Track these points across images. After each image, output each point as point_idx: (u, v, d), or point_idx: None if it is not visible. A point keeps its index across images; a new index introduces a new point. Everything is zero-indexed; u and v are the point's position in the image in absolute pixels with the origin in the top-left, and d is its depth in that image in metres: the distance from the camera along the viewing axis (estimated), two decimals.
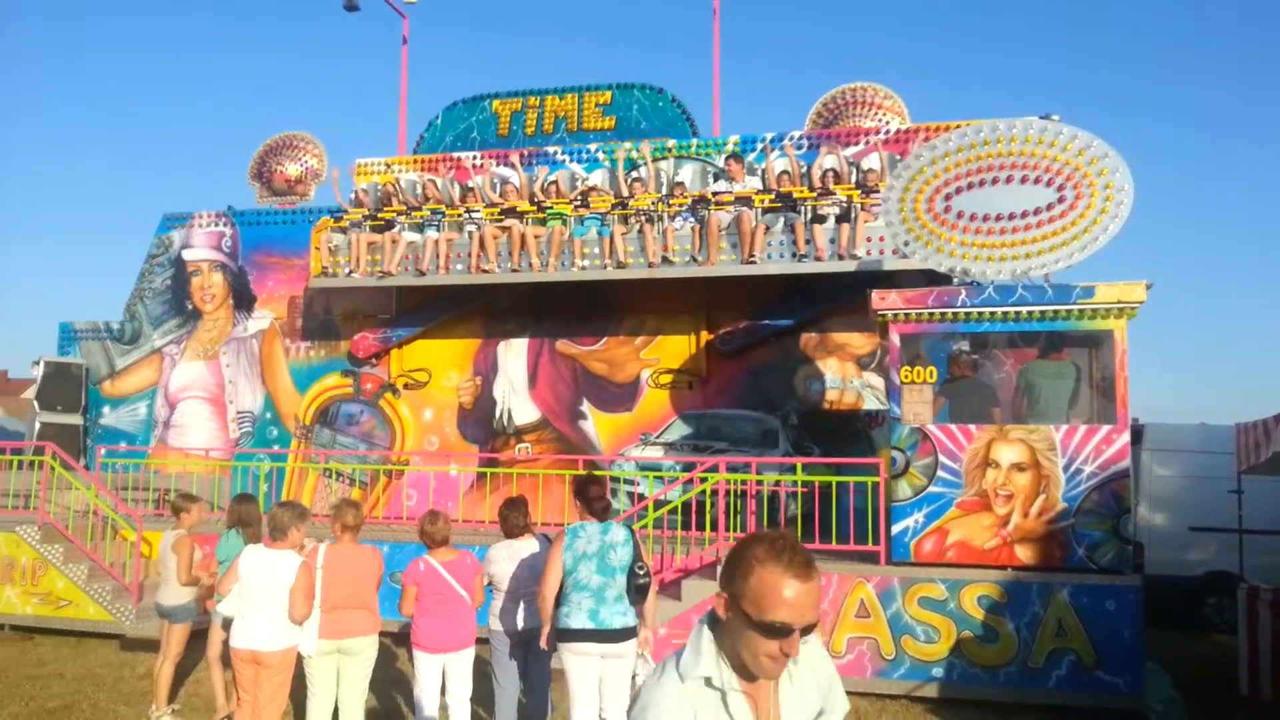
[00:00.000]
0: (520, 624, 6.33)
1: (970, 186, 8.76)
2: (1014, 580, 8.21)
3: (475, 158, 13.66)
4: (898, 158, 11.52)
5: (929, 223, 8.83)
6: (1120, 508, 8.18)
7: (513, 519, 6.45)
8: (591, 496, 5.73)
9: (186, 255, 14.95)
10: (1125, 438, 8.24)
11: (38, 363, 14.54)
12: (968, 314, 8.56)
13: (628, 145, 12.85)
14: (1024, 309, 8.44)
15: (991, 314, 8.53)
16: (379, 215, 12.69)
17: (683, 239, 11.52)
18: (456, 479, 12.65)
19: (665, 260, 11.47)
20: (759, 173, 12.02)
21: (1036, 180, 8.57)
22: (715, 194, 11.54)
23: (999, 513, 8.33)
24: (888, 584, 8.45)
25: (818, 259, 10.97)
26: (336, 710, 6.10)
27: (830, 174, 11.29)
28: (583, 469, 10.63)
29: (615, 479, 12.03)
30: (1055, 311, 8.39)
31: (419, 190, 13.08)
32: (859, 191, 10.91)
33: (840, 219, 10.99)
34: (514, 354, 13.13)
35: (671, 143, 12.88)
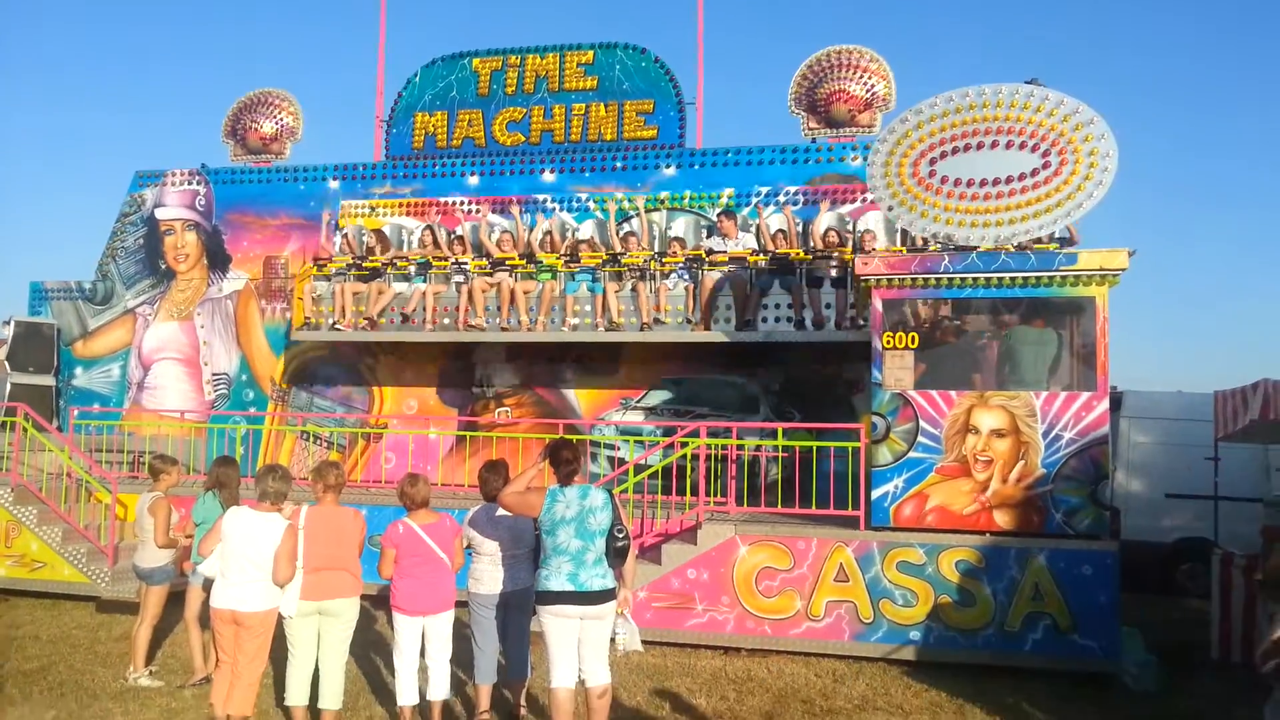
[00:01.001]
0: (500, 586, 6.32)
1: (955, 151, 8.68)
2: (992, 545, 8.26)
3: (463, 202, 13.52)
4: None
5: (913, 187, 8.77)
6: (1098, 474, 8.22)
7: (492, 482, 6.43)
8: (561, 460, 5.69)
9: (159, 214, 14.73)
10: (1104, 405, 8.27)
11: (8, 322, 14.34)
12: (950, 279, 8.54)
13: (619, 195, 12.71)
14: (1006, 275, 8.42)
15: (974, 279, 8.50)
16: (364, 265, 12.43)
17: (675, 299, 11.39)
18: (436, 442, 12.59)
19: (658, 321, 11.33)
20: (753, 229, 11.85)
21: (1021, 146, 8.50)
22: (710, 252, 11.34)
23: (978, 478, 8.36)
24: (867, 548, 8.48)
25: (816, 325, 10.89)
26: (316, 671, 6.07)
27: (831, 233, 11.15)
28: (563, 433, 10.59)
29: (595, 443, 12.01)
30: (1038, 278, 8.38)
31: (404, 237, 12.95)
32: (854, 254, 10.57)
33: (836, 283, 10.88)
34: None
35: (665, 195, 12.74)
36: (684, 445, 9.73)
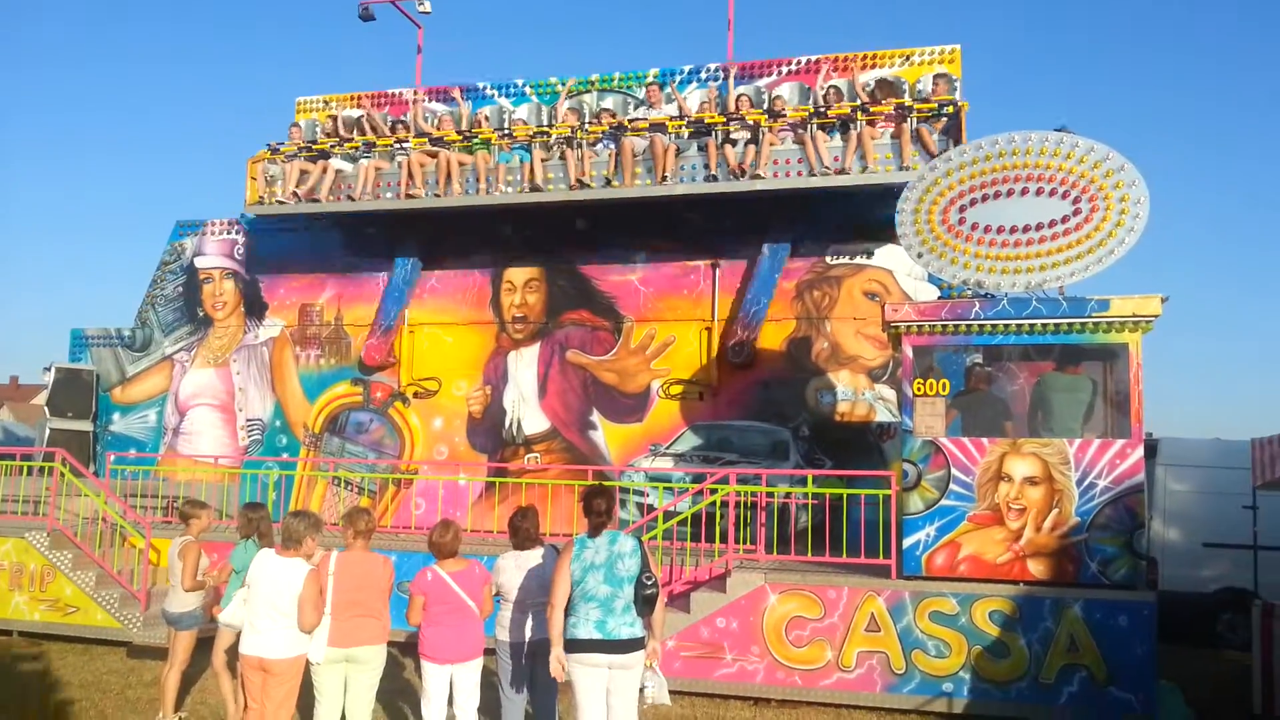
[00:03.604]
0: (527, 635, 6.29)
1: (984, 199, 8.70)
2: (1026, 595, 8.13)
3: (414, 92, 14.30)
4: (807, 88, 12.52)
5: (943, 234, 8.78)
6: (1134, 523, 8.10)
7: (525, 529, 6.42)
8: (594, 510, 5.65)
9: (199, 262, 15.00)
10: (1139, 452, 8.17)
11: (48, 369, 14.60)
12: (981, 326, 8.51)
13: (553, 79, 13.70)
14: (1038, 321, 8.37)
15: (1005, 326, 8.46)
16: (313, 146, 13.45)
17: (600, 165, 12.16)
18: (465, 488, 12.62)
19: (582, 185, 12.10)
20: (675, 102, 12.76)
21: (1051, 193, 8.51)
22: (632, 120, 12.26)
23: (1011, 527, 8.26)
24: (899, 598, 8.38)
25: (732, 177, 11.63)
26: (343, 718, 6.06)
27: (744, 99, 12.08)
28: (592, 479, 10.60)
29: (625, 489, 11.99)
30: (1069, 324, 8.33)
31: (356, 125, 13.93)
32: (766, 116, 11.64)
33: (750, 143, 11.64)
34: (524, 363, 13.12)
35: (595, 76, 13.63)
36: (713, 492, 9.69)
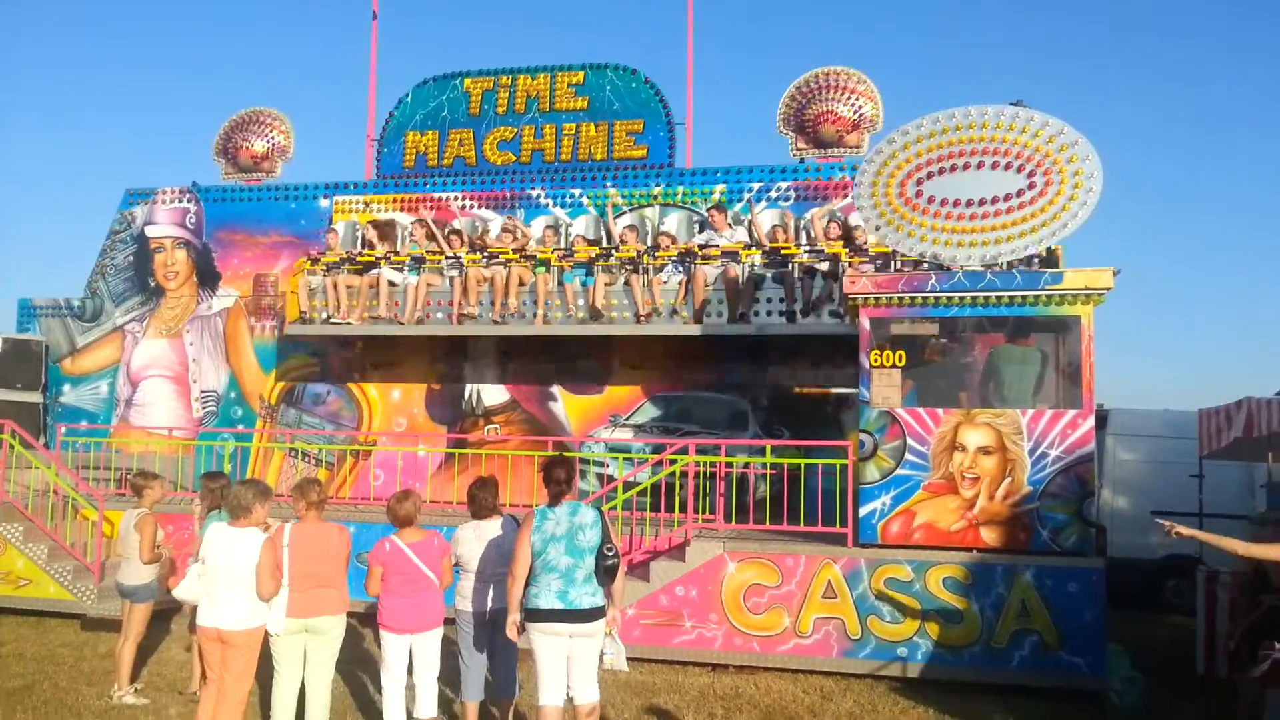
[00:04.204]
0: (487, 604, 6.31)
1: (941, 172, 8.77)
2: (979, 562, 8.29)
3: (458, 198, 13.56)
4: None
5: (900, 207, 8.84)
6: (1084, 491, 8.27)
7: (482, 499, 6.43)
8: (554, 479, 5.68)
9: (150, 231, 14.73)
10: (1090, 422, 8.33)
11: None
12: (937, 298, 8.60)
13: (612, 191, 12.82)
14: (993, 294, 8.49)
15: (961, 299, 8.57)
16: (358, 259, 12.51)
17: (669, 293, 11.37)
18: (424, 460, 12.58)
19: (655, 312, 11.33)
20: (744, 224, 11.92)
21: (1007, 166, 8.59)
22: (702, 246, 11.33)
23: (965, 495, 8.40)
24: (855, 565, 8.50)
25: (805, 314, 10.86)
26: (302, 690, 6.05)
27: (832, 225, 11.21)
28: (552, 450, 10.60)
29: (585, 460, 12.01)
30: (1023, 297, 8.45)
31: (400, 233, 13.04)
32: (846, 250, 10.75)
33: (829, 275, 10.82)
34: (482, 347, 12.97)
35: (657, 189, 12.79)
36: (673, 462, 9.75)
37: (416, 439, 12.83)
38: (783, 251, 11.09)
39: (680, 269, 11.45)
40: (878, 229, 9.01)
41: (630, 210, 12.62)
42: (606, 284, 11.49)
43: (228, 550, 5.80)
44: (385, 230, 12.85)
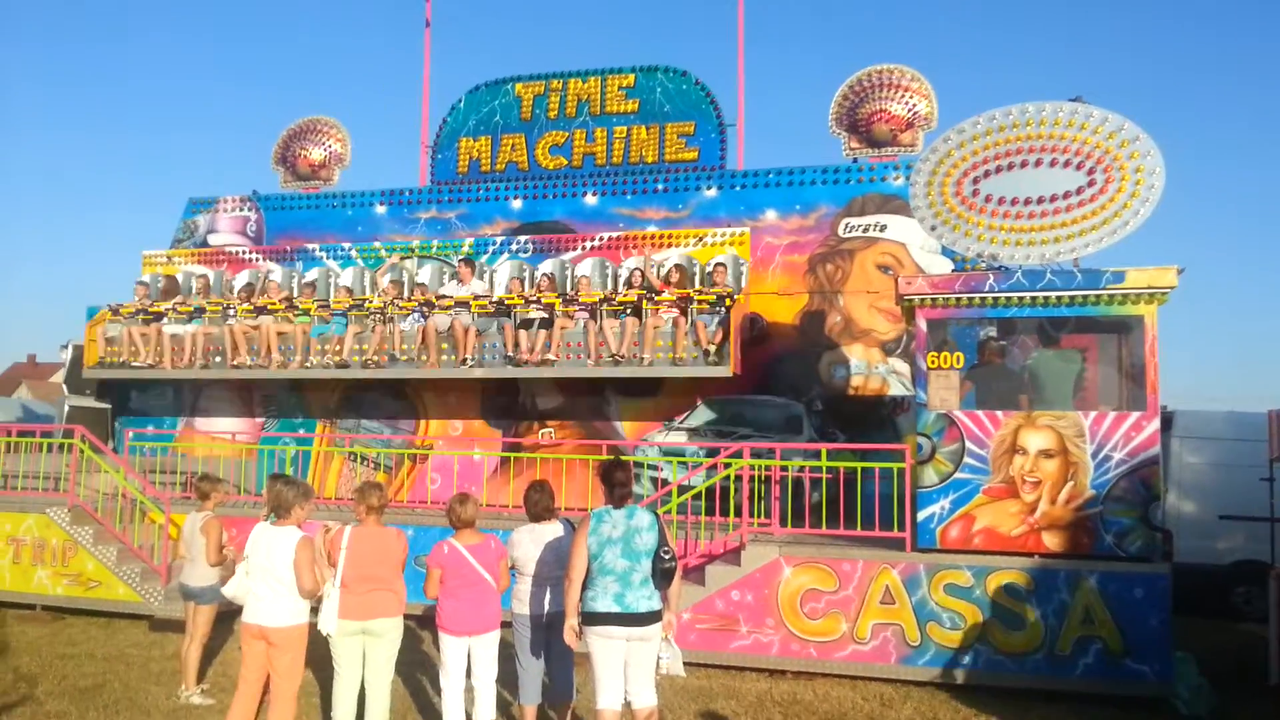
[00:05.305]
0: (544, 607, 6.34)
1: (998, 170, 8.65)
2: (1041, 567, 8.15)
3: (246, 250, 14.68)
4: (607, 263, 12.84)
5: (956, 206, 8.74)
6: (1149, 495, 8.09)
7: (538, 502, 6.46)
8: (615, 481, 5.69)
9: (212, 239, 15.06)
10: (1155, 424, 8.15)
11: (65, 347, 14.69)
12: (995, 299, 8.48)
13: (377, 244, 14.03)
14: (1052, 294, 8.34)
15: (1019, 299, 8.43)
16: (149, 310, 13.55)
17: (410, 339, 12.25)
18: (480, 463, 12.67)
19: (392, 358, 12.24)
20: (486, 276, 13.01)
21: (1066, 164, 8.45)
22: (440, 297, 12.34)
23: (1026, 499, 8.26)
24: (913, 570, 8.40)
25: (522, 363, 11.72)
26: (363, 691, 6.13)
27: (545, 278, 12.31)
28: (606, 454, 10.63)
29: (639, 464, 12.02)
30: (1084, 297, 8.29)
31: (192, 285, 14.26)
32: (560, 300, 11.75)
33: (543, 324, 11.84)
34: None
35: (415, 242, 13.82)
36: (727, 466, 9.72)
37: (473, 443, 12.94)
38: (507, 303, 12.03)
39: (422, 319, 12.33)
40: (934, 229, 8.90)
41: (394, 267, 13.51)
42: (356, 333, 12.52)
43: (268, 549, 5.92)
44: (173, 282, 14.16)
